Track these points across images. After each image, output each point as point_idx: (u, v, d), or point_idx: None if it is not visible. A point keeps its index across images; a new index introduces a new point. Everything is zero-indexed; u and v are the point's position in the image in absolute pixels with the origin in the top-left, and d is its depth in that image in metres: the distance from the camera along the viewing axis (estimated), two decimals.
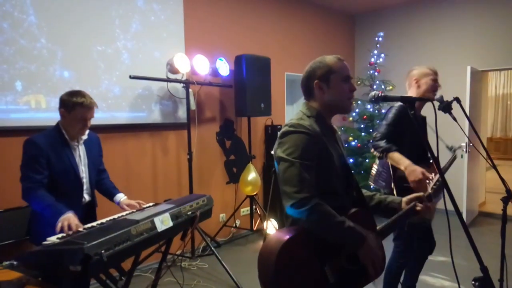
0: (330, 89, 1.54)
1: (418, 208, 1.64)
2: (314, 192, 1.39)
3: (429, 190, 1.73)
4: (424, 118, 2.62)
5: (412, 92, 2.53)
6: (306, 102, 1.61)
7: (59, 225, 1.96)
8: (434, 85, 2.46)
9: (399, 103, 2.46)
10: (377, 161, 2.62)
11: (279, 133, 1.53)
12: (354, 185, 1.63)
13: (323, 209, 1.39)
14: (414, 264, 2.71)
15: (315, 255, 1.41)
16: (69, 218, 2.00)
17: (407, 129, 2.40)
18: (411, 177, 2.20)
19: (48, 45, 3.09)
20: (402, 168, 2.26)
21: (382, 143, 2.35)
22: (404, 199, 1.68)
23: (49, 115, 3.08)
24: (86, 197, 2.39)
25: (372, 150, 2.44)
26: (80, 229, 1.96)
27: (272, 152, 1.57)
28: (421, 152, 2.37)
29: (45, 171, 2.17)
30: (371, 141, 2.48)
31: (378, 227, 1.58)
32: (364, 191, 1.73)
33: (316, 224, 1.40)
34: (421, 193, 1.69)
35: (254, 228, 4.69)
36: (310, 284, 1.39)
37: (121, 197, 2.51)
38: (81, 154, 2.36)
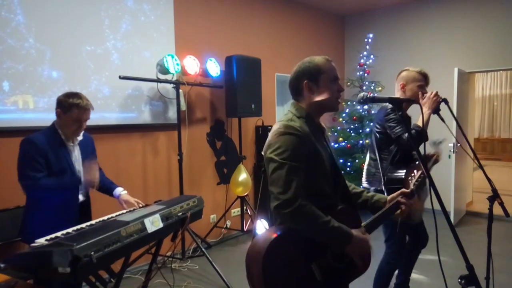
0: (319, 89, 1.56)
1: (401, 204, 1.67)
2: (298, 194, 1.40)
3: (412, 187, 1.76)
4: (409, 118, 2.63)
5: (398, 95, 2.56)
6: (295, 102, 1.62)
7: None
8: (420, 92, 2.44)
9: (389, 106, 2.46)
10: (368, 161, 2.66)
11: (269, 134, 1.54)
12: (342, 184, 1.64)
13: (307, 210, 1.40)
14: (406, 260, 2.73)
15: (302, 253, 1.43)
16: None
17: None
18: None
19: (37, 45, 3.05)
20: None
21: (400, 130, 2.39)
22: (388, 197, 1.71)
23: (37, 116, 3.05)
24: (81, 197, 2.41)
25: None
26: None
27: (262, 153, 1.58)
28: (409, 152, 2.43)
29: (45, 171, 2.20)
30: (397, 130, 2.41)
31: (362, 224, 1.61)
32: (352, 186, 1.76)
33: (301, 225, 1.41)
34: (404, 189, 1.73)
35: (245, 229, 4.69)
36: (297, 282, 1.40)
37: (120, 190, 2.55)
38: (76, 155, 2.38)
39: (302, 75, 1.57)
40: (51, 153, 2.22)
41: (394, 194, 1.72)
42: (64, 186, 2.24)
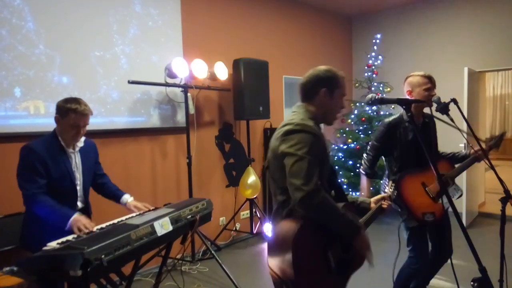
0: (331, 100, 1.67)
1: (384, 206, 1.89)
2: (319, 185, 1.48)
3: (389, 192, 1.96)
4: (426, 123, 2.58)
5: None
6: (304, 104, 1.70)
7: (74, 229, 2.02)
8: (428, 95, 2.38)
9: (387, 121, 2.54)
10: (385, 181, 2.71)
11: (282, 131, 1.60)
12: (338, 184, 1.79)
13: (330, 202, 1.51)
14: (427, 269, 2.65)
15: (321, 241, 1.54)
16: (80, 220, 2.06)
17: (395, 144, 2.49)
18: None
19: (47, 51, 3.10)
20: None
21: (365, 166, 2.62)
22: (372, 199, 1.93)
23: (48, 121, 3.08)
24: (79, 204, 2.41)
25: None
26: (94, 229, 2.04)
27: (271, 147, 1.65)
28: (416, 158, 2.43)
29: (44, 178, 2.18)
30: (364, 155, 2.66)
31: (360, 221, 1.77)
32: None
33: (323, 215, 1.51)
34: (385, 194, 1.95)
35: (254, 231, 4.69)
36: (319, 268, 1.52)
37: (127, 198, 2.54)
38: (77, 162, 2.37)
39: (322, 81, 1.66)
40: (50, 159, 2.20)
41: (378, 197, 1.93)
42: (56, 214, 2.12)
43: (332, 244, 1.57)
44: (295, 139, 1.52)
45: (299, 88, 1.73)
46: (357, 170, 5.35)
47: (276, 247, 1.54)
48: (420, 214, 2.38)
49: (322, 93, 1.65)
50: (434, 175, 2.26)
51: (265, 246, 4.44)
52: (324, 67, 1.70)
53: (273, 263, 1.54)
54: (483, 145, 2.42)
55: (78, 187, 2.37)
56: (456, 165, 2.59)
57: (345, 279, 1.65)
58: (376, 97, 1.66)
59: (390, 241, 3.85)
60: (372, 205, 1.90)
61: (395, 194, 1.95)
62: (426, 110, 2.50)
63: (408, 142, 2.44)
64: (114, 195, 2.56)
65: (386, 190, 1.98)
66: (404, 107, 1.65)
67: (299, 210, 1.52)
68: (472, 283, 1.35)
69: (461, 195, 2.51)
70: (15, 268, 1.71)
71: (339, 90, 1.68)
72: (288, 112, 5.74)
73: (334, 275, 1.55)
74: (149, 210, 2.44)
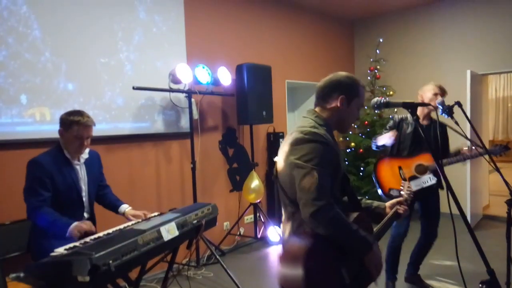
0: (348, 109, 1.60)
1: (400, 211, 1.80)
2: (331, 200, 1.42)
3: (405, 196, 1.89)
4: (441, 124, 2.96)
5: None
6: (314, 110, 1.63)
7: (75, 232, 2.05)
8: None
9: (397, 116, 3.13)
10: None
11: (291, 139, 1.52)
12: (350, 190, 1.70)
13: (342, 218, 1.44)
14: (416, 253, 3.17)
15: (333, 259, 1.47)
16: (78, 225, 2.08)
17: (399, 132, 3.02)
18: None
19: (53, 58, 3.13)
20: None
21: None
22: (387, 204, 1.83)
23: (54, 128, 3.06)
24: (85, 215, 2.44)
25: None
26: (93, 229, 2.07)
27: (278, 159, 1.59)
28: (409, 149, 3.01)
29: (49, 192, 2.22)
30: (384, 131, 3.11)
31: (374, 229, 1.69)
32: None
33: (335, 231, 1.43)
34: (400, 198, 1.86)
35: (259, 236, 4.69)
36: (333, 284, 1.46)
37: (125, 207, 2.55)
38: (82, 173, 2.41)
39: (341, 87, 1.59)
40: (57, 172, 2.25)
41: (394, 201, 1.84)
42: (56, 225, 2.14)
43: (345, 260, 1.49)
44: (304, 149, 1.44)
45: (316, 91, 1.65)
46: (360, 174, 5.36)
47: (286, 265, 1.46)
48: (386, 188, 2.88)
49: (339, 99, 1.56)
50: (413, 164, 2.86)
51: (269, 250, 4.44)
52: (345, 73, 1.62)
53: (284, 280, 1.48)
54: (482, 148, 2.59)
55: (84, 198, 2.41)
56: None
57: None
58: (382, 101, 1.66)
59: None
60: (388, 209, 1.80)
61: (412, 196, 1.91)
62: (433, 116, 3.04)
63: (406, 134, 3.00)
64: (113, 205, 2.58)
65: (402, 193, 1.90)
66: (409, 110, 1.65)
67: (309, 225, 1.44)
68: (480, 285, 1.35)
69: (433, 183, 2.83)
70: (22, 274, 1.72)
71: (358, 100, 1.60)
72: (291, 116, 5.79)
73: None
74: (149, 217, 2.44)
